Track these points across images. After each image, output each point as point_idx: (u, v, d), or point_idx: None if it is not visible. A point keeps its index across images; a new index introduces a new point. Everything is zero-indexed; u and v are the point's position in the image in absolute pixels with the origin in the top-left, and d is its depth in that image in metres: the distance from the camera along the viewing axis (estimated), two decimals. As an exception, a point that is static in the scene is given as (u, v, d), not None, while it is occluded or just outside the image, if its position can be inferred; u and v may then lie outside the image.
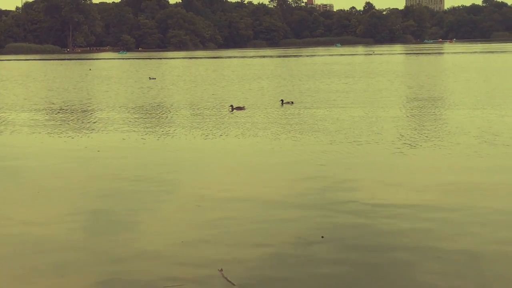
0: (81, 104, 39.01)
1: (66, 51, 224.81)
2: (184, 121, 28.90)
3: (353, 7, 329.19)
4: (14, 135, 26.17)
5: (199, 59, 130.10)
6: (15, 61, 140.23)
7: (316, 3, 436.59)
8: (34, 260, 10.97)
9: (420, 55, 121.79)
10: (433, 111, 30.56)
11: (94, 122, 29.60)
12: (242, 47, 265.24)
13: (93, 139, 24.37)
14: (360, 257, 10.66)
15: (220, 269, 10.13)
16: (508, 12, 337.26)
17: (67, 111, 35.29)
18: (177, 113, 32.44)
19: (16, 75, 78.51)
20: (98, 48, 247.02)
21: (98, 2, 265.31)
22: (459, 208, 13.36)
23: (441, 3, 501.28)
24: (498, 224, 12.31)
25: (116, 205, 14.27)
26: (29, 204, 14.73)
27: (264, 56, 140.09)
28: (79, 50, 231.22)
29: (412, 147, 20.53)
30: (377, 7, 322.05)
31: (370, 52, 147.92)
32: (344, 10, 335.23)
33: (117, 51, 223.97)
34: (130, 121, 29.60)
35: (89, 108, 36.63)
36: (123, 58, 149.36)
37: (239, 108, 32.26)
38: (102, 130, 26.76)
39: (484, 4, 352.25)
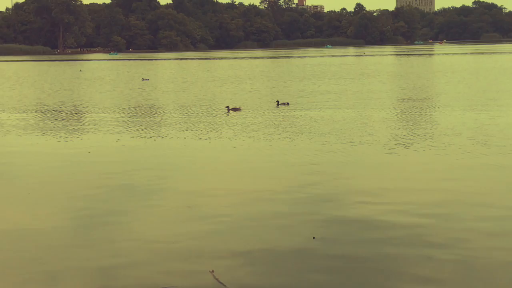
0: (72, 106, 38.85)
1: (56, 52, 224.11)
2: (176, 122, 28.81)
3: (344, 8, 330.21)
4: (5, 137, 26.00)
5: (190, 60, 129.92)
6: (5, 62, 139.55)
7: (307, 4, 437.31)
8: (23, 264, 10.87)
9: (411, 56, 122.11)
10: (425, 112, 30.63)
11: (86, 124, 29.47)
12: (233, 48, 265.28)
13: (84, 141, 24.23)
14: (351, 258, 10.65)
15: (211, 270, 10.09)
16: (498, 13, 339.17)
17: (59, 112, 35.12)
18: (169, 114, 32.34)
19: (7, 76, 78.12)
20: (88, 49, 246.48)
21: (88, 3, 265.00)
22: (451, 208, 13.35)
23: (431, 5, 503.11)
24: (490, 224, 12.29)
25: (106, 207, 14.19)
26: (19, 206, 14.63)
27: (255, 57, 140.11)
28: (69, 51, 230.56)
29: (406, 148, 20.53)
30: (367, 8, 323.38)
31: (361, 53, 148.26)
32: (335, 11, 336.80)
33: (108, 52, 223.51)
34: (121, 123, 29.48)
35: (81, 110, 36.48)
36: (114, 59, 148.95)
37: (235, 109, 32.25)
38: (93, 132, 26.63)
39: (474, 6, 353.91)
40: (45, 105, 39.74)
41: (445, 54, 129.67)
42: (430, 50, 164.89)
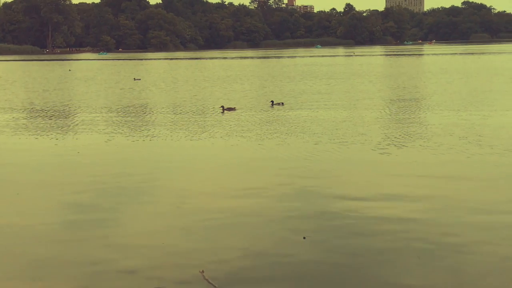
0: (62, 106, 38.66)
1: (45, 52, 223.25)
2: (167, 123, 28.71)
3: (334, 9, 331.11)
4: (-5, 137, 25.82)
5: (180, 60, 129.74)
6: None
7: (296, 4, 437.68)
8: (12, 262, 10.81)
9: (401, 56, 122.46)
10: (416, 112, 30.69)
11: (76, 124, 29.32)
12: (223, 48, 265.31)
13: (74, 141, 24.11)
14: (342, 257, 10.65)
15: (201, 270, 10.04)
16: (487, 14, 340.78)
17: (49, 112, 34.93)
18: (161, 115, 32.22)
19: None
20: (77, 48, 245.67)
21: (77, 3, 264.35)
22: (442, 209, 13.34)
23: (420, 5, 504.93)
24: (480, 225, 12.30)
25: (96, 207, 14.10)
26: (9, 206, 14.52)
27: (245, 57, 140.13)
28: (58, 51, 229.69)
29: (398, 147, 20.54)
30: (357, 9, 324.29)
31: (351, 54, 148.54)
32: (325, 11, 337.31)
33: (97, 51, 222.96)
34: (112, 122, 29.36)
35: (71, 110, 36.30)
36: (103, 59, 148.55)
37: (230, 109, 32.20)
38: (84, 132, 26.49)
39: (463, 6, 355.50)
40: (35, 104, 39.53)
41: (434, 54, 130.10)
42: (419, 51, 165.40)
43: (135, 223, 12.94)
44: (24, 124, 29.85)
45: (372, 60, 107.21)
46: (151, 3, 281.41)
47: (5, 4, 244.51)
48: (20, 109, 36.86)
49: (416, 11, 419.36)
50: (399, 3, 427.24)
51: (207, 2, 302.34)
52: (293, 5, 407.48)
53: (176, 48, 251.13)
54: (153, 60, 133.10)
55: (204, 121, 28.76)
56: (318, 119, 28.33)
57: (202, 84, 55.08)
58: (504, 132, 23.10)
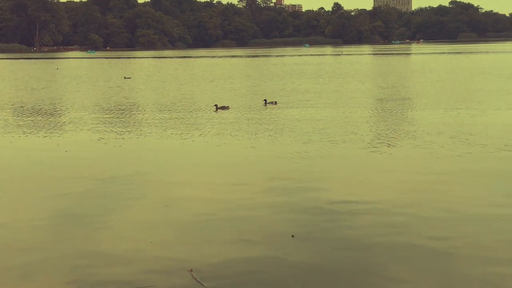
0: (51, 104, 38.48)
1: (32, 50, 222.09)
2: (157, 121, 28.65)
3: (322, 8, 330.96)
4: (-16, 135, 25.68)
5: (169, 59, 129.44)
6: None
7: (285, 3, 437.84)
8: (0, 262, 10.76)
9: (389, 55, 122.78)
10: (406, 111, 30.81)
11: (65, 122, 29.19)
12: (211, 47, 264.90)
13: (62, 139, 24.01)
14: (330, 255, 10.66)
15: (190, 269, 10.04)
16: (475, 13, 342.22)
17: (37, 111, 34.77)
18: (150, 113, 32.16)
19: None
20: (65, 47, 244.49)
21: (65, 1, 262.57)
22: (432, 206, 13.40)
23: (408, 4, 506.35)
24: (470, 221, 12.37)
25: (83, 206, 14.04)
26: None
27: (234, 56, 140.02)
28: (46, 49, 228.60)
29: (388, 146, 20.61)
30: (345, 8, 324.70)
31: (339, 53, 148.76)
32: (313, 10, 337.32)
33: (85, 50, 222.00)
34: (101, 121, 29.26)
35: (60, 108, 36.14)
36: (91, 58, 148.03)
37: (223, 108, 32.19)
38: (72, 130, 26.38)
39: (451, 6, 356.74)
40: (23, 103, 39.32)
41: (422, 53, 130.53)
42: (407, 50, 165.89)
43: (123, 222, 12.90)
44: (12, 122, 29.69)
45: (360, 59, 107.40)
46: (139, 2, 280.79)
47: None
48: (9, 108, 36.66)
49: (404, 10, 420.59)
50: (387, 2, 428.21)
51: (195, 1, 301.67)
52: (281, 4, 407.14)
53: (164, 47, 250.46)
54: (141, 59, 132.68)
55: (197, 119, 28.72)
56: (310, 118, 28.37)
57: (192, 82, 54.99)
58: (494, 131, 23.23)
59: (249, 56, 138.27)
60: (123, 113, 32.67)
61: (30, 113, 33.46)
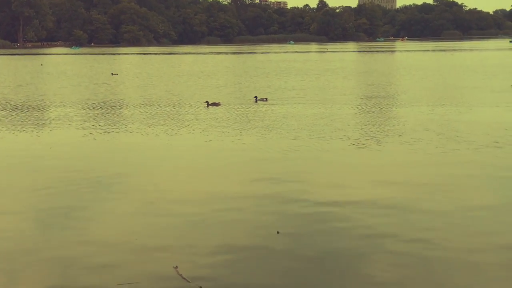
0: (36, 101, 38.24)
1: (16, 46, 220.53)
2: (143, 117, 28.57)
3: (307, 5, 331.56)
4: (-30, 132, 25.49)
5: (154, 55, 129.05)
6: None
7: (270, 0, 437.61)
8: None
9: (374, 53, 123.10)
10: (392, 108, 30.96)
11: (50, 119, 29.02)
12: (196, 44, 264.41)
13: (46, 136, 23.89)
14: (315, 252, 10.67)
15: (175, 266, 10.04)
16: (459, 11, 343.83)
17: (22, 107, 34.55)
18: (136, 109, 32.06)
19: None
20: (49, 43, 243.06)
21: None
22: (417, 204, 13.42)
23: (393, 2, 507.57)
24: (456, 222, 12.37)
25: (67, 204, 13.90)
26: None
27: (219, 53, 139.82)
28: (30, 45, 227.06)
29: (376, 143, 20.68)
30: (330, 5, 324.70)
31: (324, 50, 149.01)
32: (298, 7, 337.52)
33: (69, 46, 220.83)
34: (86, 118, 29.14)
35: (45, 105, 35.91)
36: (76, 54, 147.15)
37: (214, 104, 32.20)
38: (57, 127, 26.22)
39: (435, 3, 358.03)
40: (8, 100, 39.04)
41: (407, 51, 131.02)
42: (392, 47, 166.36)
43: (108, 219, 12.85)
44: (-2, 119, 29.49)
45: (345, 56, 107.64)
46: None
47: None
48: (-6, 104, 36.39)
49: (389, 7, 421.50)
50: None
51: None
52: (266, 1, 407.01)
53: (149, 43, 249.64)
54: (126, 55, 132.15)
55: (187, 116, 28.69)
56: (298, 114, 28.42)
57: (179, 79, 54.88)
58: (479, 128, 23.39)
59: (234, 53, 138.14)
60: (109, 110, 32.51)
61: (15, 110, 33.23)
